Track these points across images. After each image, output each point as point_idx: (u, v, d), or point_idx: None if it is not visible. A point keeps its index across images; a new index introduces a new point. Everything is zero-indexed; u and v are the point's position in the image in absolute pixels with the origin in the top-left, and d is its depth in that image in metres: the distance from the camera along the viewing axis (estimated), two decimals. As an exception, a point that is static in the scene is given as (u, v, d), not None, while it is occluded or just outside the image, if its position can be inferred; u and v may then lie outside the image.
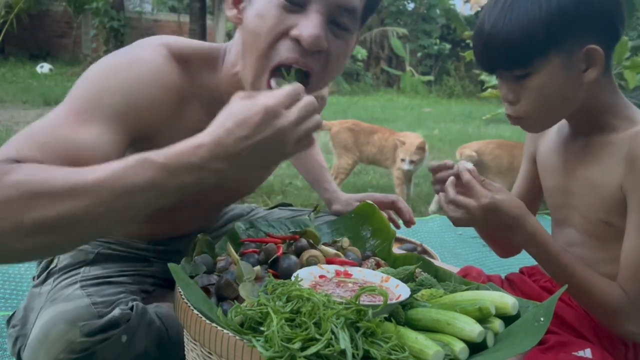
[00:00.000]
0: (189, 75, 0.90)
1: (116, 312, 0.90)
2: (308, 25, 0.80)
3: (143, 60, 0.86)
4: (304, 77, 0.84)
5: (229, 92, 0.79)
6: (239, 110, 0.70)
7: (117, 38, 9.00)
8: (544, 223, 0.94)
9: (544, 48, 0.88)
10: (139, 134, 0.83)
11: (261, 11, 0.83)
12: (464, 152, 3.08)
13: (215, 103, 0.84)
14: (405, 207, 1.32)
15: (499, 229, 0.94)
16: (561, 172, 1.02)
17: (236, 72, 0.90)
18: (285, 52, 0.82)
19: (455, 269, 1.15)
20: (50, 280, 1.01)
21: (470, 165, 0.95)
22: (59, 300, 0.93)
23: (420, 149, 2.98)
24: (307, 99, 0.72)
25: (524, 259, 1.09)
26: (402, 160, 2.95)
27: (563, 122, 1.04)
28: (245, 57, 0.86)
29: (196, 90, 0.92)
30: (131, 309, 0.92)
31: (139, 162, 0.66)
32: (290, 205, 1.41)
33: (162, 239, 1.14)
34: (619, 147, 0.92)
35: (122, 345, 0.88)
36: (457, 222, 0.93)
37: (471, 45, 1.00)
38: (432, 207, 2.98)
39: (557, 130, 1.06)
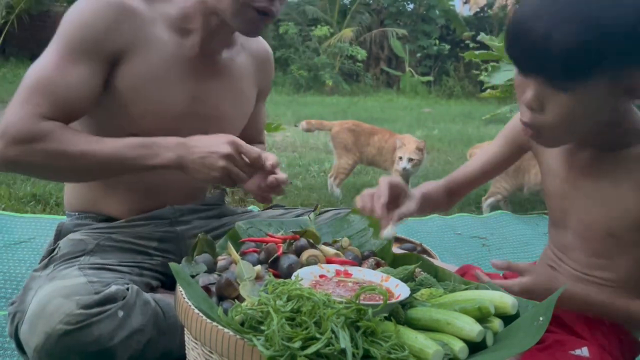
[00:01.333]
0: (147, 4, 1.08)
1: (112, 288, 0.93)
2: None
3: None
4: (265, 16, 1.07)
5: (191, 16, 1.10)
6: (208, 141, 1.04)
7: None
8: (544, 223, 0.95)
9: (598, 67, 0.80)
10: (110, 57, 1.04)
11: None
12: (474, 152, 3.09)
13: (175, 27, 1.11)
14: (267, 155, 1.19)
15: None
16: (564, 179, 1.00)
17: (199, 1, 1.10)
18: (258, 2, 1.04)
19: (454, 268, 1.16)
20: (51, 265, 1.04)
21: (393, 232, 0.94)
22: (57, 278, 0.96)
23: (420, 150, 2.97)
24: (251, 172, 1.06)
25: (522, 258, 1.09)
26: (400, 158, 2.94)
27: None
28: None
29: (155, 16, 1.09)
30: (127, 289, 0.94)
31: (131, 145, 1.03)
32: (283, 206, 1.42)
33: (153, 205, 1.19)
34: (632, 166, 0.90)
35: (118, 320, 0.90)
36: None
37: (504, 35, 0.90)
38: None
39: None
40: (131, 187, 1.16)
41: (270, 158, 1.06)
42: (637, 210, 0.91)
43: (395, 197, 0.97)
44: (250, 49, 1.26)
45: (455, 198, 1.21)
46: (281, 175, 1.07)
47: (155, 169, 1.02)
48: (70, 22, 1.03)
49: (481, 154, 1.18)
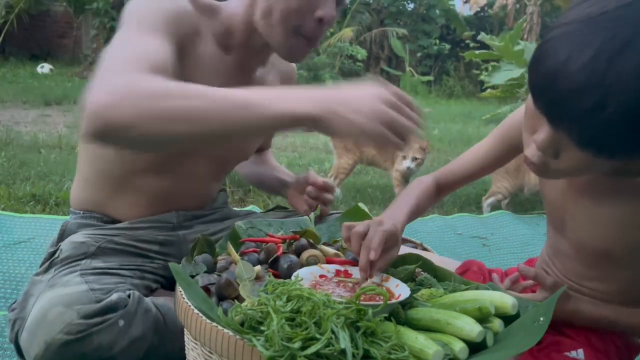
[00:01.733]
0: (199, 16, 1.07)
1: (114, 296, 0.92)
2: (329, 8, 1.03)
3: None
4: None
5: (235, 34, 1.10)
6: (350, 90, 0.79)
7: (117, 38, 9.00)
8: (544, 223, 0.94)
9: (627, 150, 0.72)
10: (177, 45, 0.99)
11: None
12: None
13: (218, 42, 1.10)
14: (318, 179, 1.29)
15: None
16: (563, 192, 0.97)
17: (244, 21, 1.08)
18: (310, 29, 1.04)
19: (455, 263, 1.15)
20: (52, 270, 1.03)
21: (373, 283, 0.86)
22: (58, 285, 0.95)
23: (423, 149, 2.97)
24: (417, 117, 0.80)
25: (523, 258, 1.09)
26: (404, 157, 2.93)
27: None
28: (273, 24, 1.04)
29: (203, 30, 1.08)
30: (128, 296, 0.94)
31: (257, 90, 0.83)
32: (286, 208, 1.41)
33: (161, 209, 1.18)
34: (634, 194, 0.87)
35: (119, 329, 0.90)
36: None
37: (530, 63, 0.77)
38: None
39: None
40: (141, 192, 1.15)
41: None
42: (635, 236, 0.88)
43: (385, 244, 0.88)
44: (279, 67, 1.28)
45: (443, 194, 1.19)
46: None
47: (289, 121, 0.77)
48: (145, 7, 1.00)
49: (474, 151, 1.14)
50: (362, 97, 0.76)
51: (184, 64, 1.03)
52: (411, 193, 1.08)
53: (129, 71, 0.82)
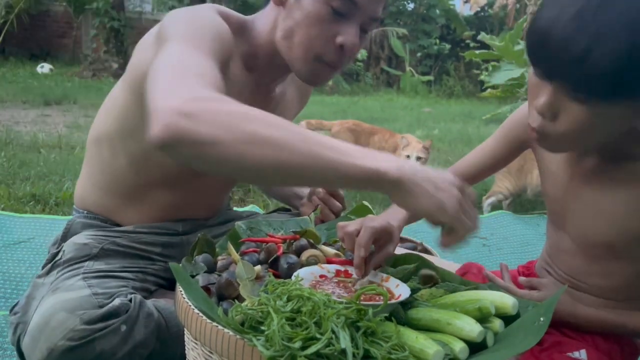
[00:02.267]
0: (231, 32, 1.02)
1: (116, 302, 0.92)
2: (350, 35, 0.98)
3: (209, 9, 1.00)
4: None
5: (259, 54, 1.07)
6: (430, 169, 0.76)
7: (118, 38, 8.98)
8: (544, 223, 0.94)
9: (624, 90, 0.76)
10: (219, 65, 0.91)
11: (311, 14, 0.97)
12: None
13: (244, 62, 1.07)
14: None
15: None
16: (564, 185, 0.98)
17: (267, 41, 1.05)
18: (331, 55, 1.00)
19: (456, 265, 1.15)
20: (54, 272, 1.02)
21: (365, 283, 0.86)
22: (60, 290, 0.95)
23: (426, 148, 2.98)
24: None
25: (523, 258, 1.09)
26: (407, 157, 2.93)
27: None
28: (293, 47, 1.01)
29: (235, 49, 1.04)
30: (130, 301, 0.93)
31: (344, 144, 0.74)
32: (288, 210, 1.41)
33: (170, 218, 1.18)
34: (637, 181, 0.88)
35: (121, 334, 0.89)
36: None
37: (526, 35, 0.84)
38: None
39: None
40: (151, 203, 1.15)
41: None
42: (638, 227, 0.89)
43: (378, 241, 0.89)
44: (298, 81, 1.23)
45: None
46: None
47: (370, 178, 0.72)
48: (188, 23, 0.93)
49: (478, 151, 1.15)
50: (441, 178, 0.74)
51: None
52: None
53: (199, 85, 0.76)
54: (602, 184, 0.92)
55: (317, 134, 0.74)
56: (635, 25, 0.72)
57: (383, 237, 0.88)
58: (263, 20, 1.07)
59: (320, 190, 1.28)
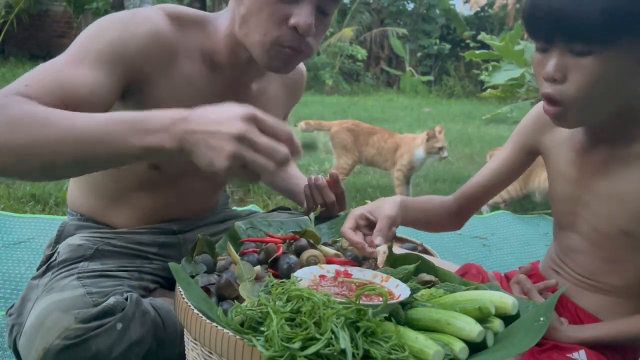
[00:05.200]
0: (181, 33, 1.02)
1: (111, 300, 0.91)
2: (302, 15, 0.95)
3: (139, 17, 0.98)
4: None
5: (221, 50, 1.04)
6: (216, 116, 0.74)
7: (117, 38, 9.01)
8: (544, 223, 0.94)
9: (621, 28, 0.80)
10: (131, 79, 0.95)
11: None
12: (494, 154, 3.11)
13: (206, 60, 1.05)
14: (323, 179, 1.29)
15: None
16: (574, 183, 0.98)
17: (229, 34, 1.04)
18: (287, 41, 0.97)
19: (455, 266, 1.15)
20: (49, 273, 1.02)
21: (385, 251, 0.92)
22: (55, 290, 0.95)
23: (443, 137, 3.02)
24: (282, 152, 0.73)
25: (523, 259, 1.09)
26: (440, 149, 2.96)
27: (575, 131, 0.99)
28: (249, 34, 0.99)
29: (188, 47, 1.03)
30: (126, 299, 0.93)
31: (113, 119, 0.77)
32: (288, 209, 1.41)
33: (161, 220, 1.17)
34: None
35: (117, 333, 0.89)
36: None
37: (523, 7, 0.89)
38: None
39: (569, 138, 1.01)
40: (138, 206, 1.14)
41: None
42: None
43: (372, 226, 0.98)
44: (286, 77, 1.21)
45: (465, 210, 1.18)
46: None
47: (146, 154, 0.76)
48: (94, 34, 0.95)
49: (494, 161, 1.14)
50: (216, 134, 0.72)
51: (157, 94, 0.99)
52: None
53: (15, 87, 0.81)
54: (613, 170, 0.93)
55: (84, 119, 0.77)
56: None
57: (374, 211, 1.01)
58: (224, 14, 1.06)
59: (319, 177, 1.27)
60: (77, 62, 0.90)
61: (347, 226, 0.97)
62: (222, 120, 0.73)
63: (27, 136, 0.74)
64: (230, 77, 1.08)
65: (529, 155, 1.11)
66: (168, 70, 1.00)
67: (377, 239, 0.93)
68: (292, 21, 0.95)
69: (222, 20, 1.06)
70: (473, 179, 1.17)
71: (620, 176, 0.92)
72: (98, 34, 0.95)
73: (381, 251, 0.90)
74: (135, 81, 0.97)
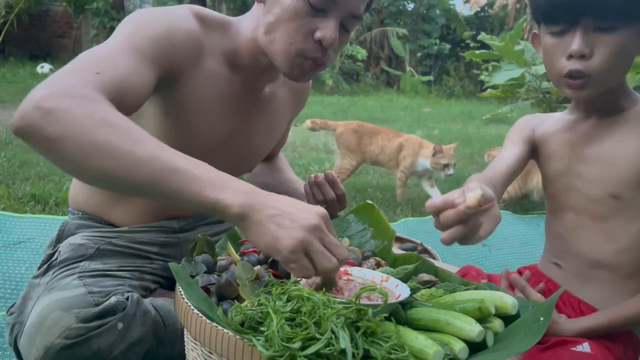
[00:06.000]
0: (207, 33, 1.05)
1: (112, 300, 0.91)
2: (328, 30, 0.98)
3: (174, 13, 1.02)
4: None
5: (243, 53, 1.08)
6: (292, 202, 0.75)
7: (117, 38, 9.01)
8: (543, 223, 0.95)
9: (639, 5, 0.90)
10: (167, 71, 0.98)
11: (289, 8, 0.98)
12: (492, 154, 3.11)
13: (227, 61, 1.08)
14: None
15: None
16: (566, 156, 1.06)
17: (251, 39, 1.07)
18: (311, 53, 1.00)
19: (454, 269, 1.16)
20: (50, 272, 1.02)
21: (478, 193, 0.74)
22: (56, 289, 0.95)
23: (452, 153, 2.97)
24: (345, 254, 0.75)
25: (523, 259, 1.09)
26: (445, 166, 2.90)
27: (567, 113, 1.08)
28: (274, 42, 1.02)
29: (212, 48, 1.06)
30: (127, 299, 0.93)
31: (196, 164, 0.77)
32: None
33: (163, 217, 1.17)
34: (632, 121, 0.99)
35: (118, 332, 0.89)
36: None
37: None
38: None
39: (561, 123, 1.10)
40: (139, 202, 1.14)
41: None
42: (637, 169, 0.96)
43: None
44: (294, 82, 1.20)
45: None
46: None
47: (209, 207, 0.74)
48: (140, 25, 0.98)
49: (502, 156, 1.13)
50: (293, 214, 0.72)
51: (182, 91, 1.02)
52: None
53: (85, 80, 0.81)
54: (603, 137, 1.01)
55: (170, 151, 0.76)
56: None
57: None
58: (247, 19, 1.09)
59: (319, 175, 1.28)
60: (128, 50, 0.91)
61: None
62: (300, 209, 0.74)
63: (95, 145, 0.74)
64: (247, 79, 1.11)
65: (530, 148, 1.14)
66: (196, 67, 1.03)
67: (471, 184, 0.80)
68: (318, 35, 0.98)
69: (244, 24, 1.09)
70: (486, 173, 1.12)
71: (610, 141, 1.00)
72: (143, 26, 0.97)
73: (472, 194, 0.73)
74: (170, 75, 1.00)
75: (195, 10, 1.05)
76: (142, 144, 0.75)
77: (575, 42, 0.93)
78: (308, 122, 3.32)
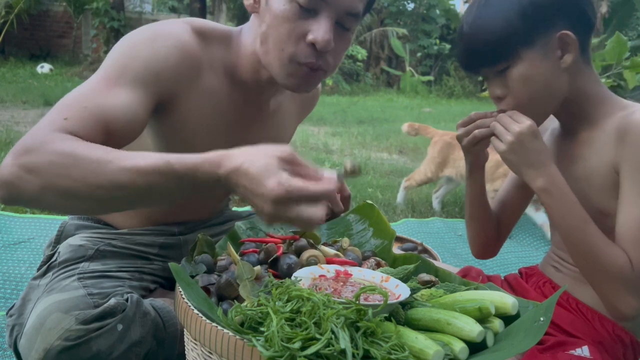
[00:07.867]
0: (207, 48, 1.02)
1: (112, 301, 0.91)
2: (320, 31, 0.92)
3: (167, 33, 0.97)
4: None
5: (244, 67, 1.03)
6: (265, 169, 0.72)
7: (117, 38, 8.97)
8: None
9: (520, 38, 0.93)
10: (162, 96, 0.95)
11: (278, 14, 0.94)
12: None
13: (229, 75, 1.04)
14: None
15: (524, 166, 0.95)
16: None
17: (252, 52, 1.02)
18: (304, 57, 0.95)
19: (455, 269, 1.16)
20: (50, 273, 1.02)
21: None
22: (55, 290, 0.95)
23: None
24: (320, 213, 0.74)
25: (524, 259, 1.09)
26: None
27: (557, 124, 1.07)
28: (269, 51, 0.97)
29: (213, 63, 1.03)
30: (126, 300, 0.93)
31: (162, 168, 0.77)
32: None
33: (164, 222, 1.17)
34: (607, 131, 0.95)
35: (117, 334, 0.89)
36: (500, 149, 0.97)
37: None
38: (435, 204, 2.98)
39: (550, 133, 1.09)
40: (139, 210, 1.14)
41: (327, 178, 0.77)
42: (615, 167, 0.93)
43: None
44: (299, 95, 1.18)
45: (503, 229, 1.23)
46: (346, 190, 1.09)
47: (217, 183, 0.75)
48: (127, 54, 0.94)
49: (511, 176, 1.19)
50: (258, 195, 0.71)
51: (183, 111, 0.99)
52: None
53: (56, 123, 0.81)
54: (580, 155, 1.00)
55: (142, 154, 0.78)
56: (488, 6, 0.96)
57: None
58: (247, 31, 1.05)
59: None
60: (113, 83, 0.89)
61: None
62: (260, 179, 0.72)
63: (75, 182, 0.75)
64: (250, 94, 1.07)
65: None
66: (194, 85, 0.99)
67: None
68: (310, 37, 0.93)
69: (245, 37, 1.04)
70: (502, 197, 1.22)
71: (586, 158, 0.99)
72: (131, 53, 0.93)
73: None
74: (166, 97, 0.96)
75: (196, 25, 1.01)
76: (100, 173, 0.75)
77: (489, 89, 1.01)
78: (405, 126, 3.19)
